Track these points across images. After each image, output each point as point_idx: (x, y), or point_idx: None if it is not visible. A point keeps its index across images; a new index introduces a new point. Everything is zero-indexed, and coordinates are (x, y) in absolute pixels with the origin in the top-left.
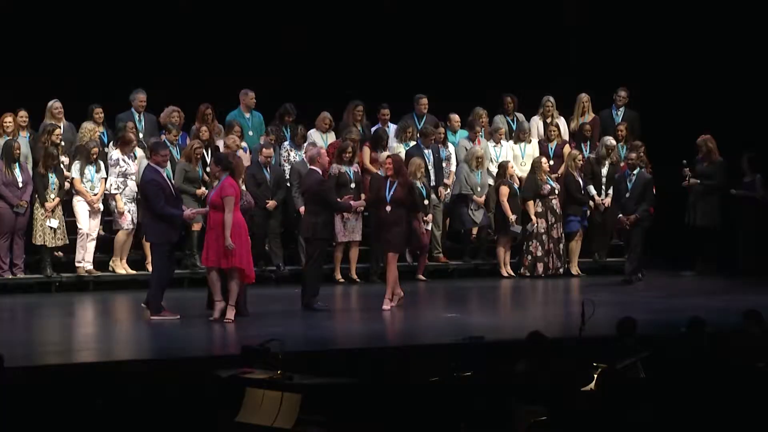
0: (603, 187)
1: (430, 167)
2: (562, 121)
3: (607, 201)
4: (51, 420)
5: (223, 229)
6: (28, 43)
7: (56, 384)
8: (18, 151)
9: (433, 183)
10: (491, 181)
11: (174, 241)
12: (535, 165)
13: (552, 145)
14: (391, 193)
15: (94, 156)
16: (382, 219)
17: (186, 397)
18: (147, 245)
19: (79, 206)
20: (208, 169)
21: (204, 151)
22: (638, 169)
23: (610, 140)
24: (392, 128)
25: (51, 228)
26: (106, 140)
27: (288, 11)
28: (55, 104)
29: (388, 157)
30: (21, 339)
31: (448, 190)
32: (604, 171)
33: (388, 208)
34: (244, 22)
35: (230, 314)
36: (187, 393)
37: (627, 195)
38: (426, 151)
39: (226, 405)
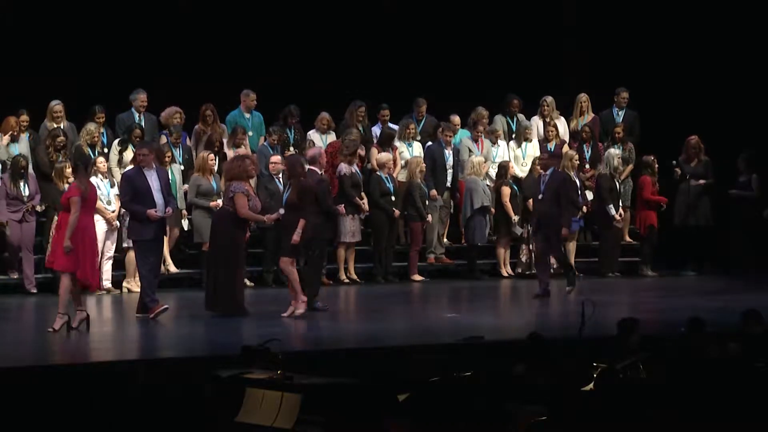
0: (621, 203)
1: (449, 167)
2: (562, 121)
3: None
4: (51, 420)
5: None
6: (28, 43)
7: (55, 384)
8: (23, 170)
9: (449, 184)
10: (488, 182)
11: (148, 238)
12: (534, 164)
13: (551, 146)
14: (286, 196)
15: (104, 169)
16: (281, 223)
17: (186, 397)
18: None
19: (97, 226)
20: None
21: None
22: (552, 168)
23: (617, 155)
24: (392, 128)
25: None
26: (105, 141)
27: (288, 11)
28: (56, 106)
29: (283, 156)
30: (22, 339)
31: (446, 193)
32: (618, 184)
33: (281, 211)
34: (244, 22)
35: (57, 323)
36: (187, 393)
37: (540, 197)
38: (446, 151)
39: (226, 405)
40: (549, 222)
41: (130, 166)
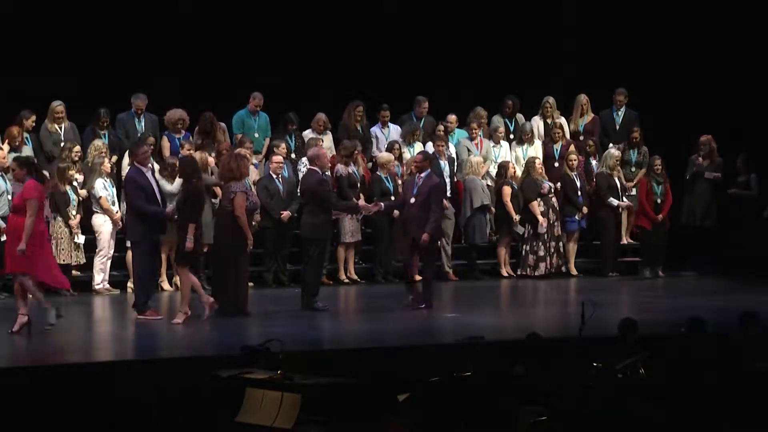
0: (621, 198)
1: (446, 177)
2: (563, 121)
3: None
4: (51, 419)
5: (22, 233)
6: (29, 43)
7: (56, 384)
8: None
9: (449, 194)
10: (489, 182)
11: (155, 240)
12: (529, 165)
13: (557, 146)
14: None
15: (109, 169)
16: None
17: (186, 397)
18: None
19: (106, 226)
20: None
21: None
22: (427, 171)
23: (616, 153)
24: (392, 128)
25: (76, 244)
26: (107, 140)
27: (287, 12)
28: (57, 107)
29: (180, 159)
30: (22, 339)
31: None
32: (618, 183)
33: (170, 209)
34: (244, 22)
35: (16, 325)
36: (187, 393)
37: (412, 201)
38: (442, 161)
39: (226, 405)
40: (416, 227)
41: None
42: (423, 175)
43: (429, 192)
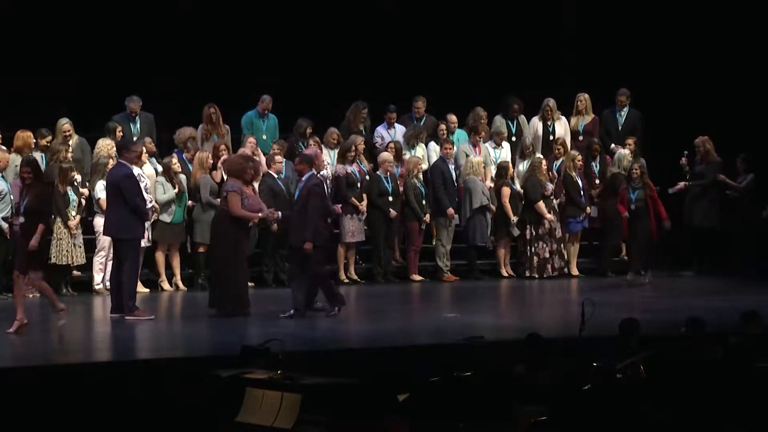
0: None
1: (455, 179)
2: (563, 122)
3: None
4: (51, 419)
5: None
6: (28, 43)
7: (55, 384)
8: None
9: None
10: (489, 183)
11: (142, 237)
12: (535, 165)
13: (557, 163)
14: (25, 202)
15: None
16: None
17: (186, 397)
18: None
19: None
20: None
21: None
22: (308, 174)
23: (626, 155)
24: (398, 129)
25: (75, 245)
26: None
27: (287, 12)
28: (64, 125)
29: (24, 164)
30: (22, 338)
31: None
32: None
33: (21, 220)
34: (244, 22)
35: None
36: (187, 393)
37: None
38: (451, 166)
39: (226, 405)
40: (294, 234)
41: (135, 168)
42: (304, 178)
43: (307, 196)
